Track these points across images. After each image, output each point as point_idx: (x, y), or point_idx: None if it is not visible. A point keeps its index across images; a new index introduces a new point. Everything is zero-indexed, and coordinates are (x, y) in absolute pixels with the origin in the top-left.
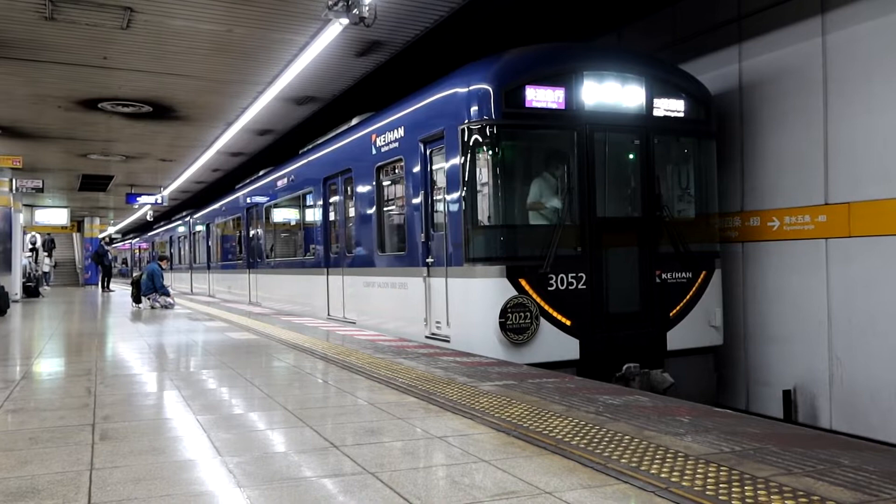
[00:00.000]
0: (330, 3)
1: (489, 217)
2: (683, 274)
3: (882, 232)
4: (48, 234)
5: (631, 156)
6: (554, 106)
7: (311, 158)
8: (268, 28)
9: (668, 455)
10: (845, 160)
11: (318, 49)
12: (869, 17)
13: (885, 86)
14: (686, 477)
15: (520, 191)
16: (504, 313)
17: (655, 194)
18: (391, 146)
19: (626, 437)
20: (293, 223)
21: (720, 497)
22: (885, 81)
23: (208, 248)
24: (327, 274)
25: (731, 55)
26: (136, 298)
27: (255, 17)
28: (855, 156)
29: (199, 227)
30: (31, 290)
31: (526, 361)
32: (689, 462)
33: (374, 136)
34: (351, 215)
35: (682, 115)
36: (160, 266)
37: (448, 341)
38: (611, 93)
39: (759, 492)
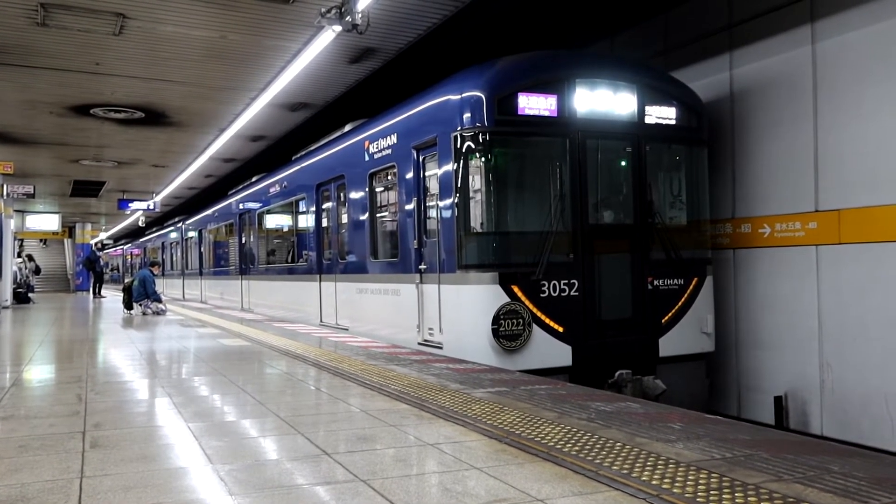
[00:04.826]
0: (323, 10)
1: (482, 224)
2: (675, 280)
3: (872, 239)
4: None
5: (623, 163)
6: (546, 113)
7: (304, 165)
8: (261, 34)
9: (660, 462)
10: (835, 167)
11: (311, 56)
12: (858, 25)
13: (875, 93)
14: (677, 484)
15: (512, 198)
16: (496, 320)
17: (647, 201)
18: (384, 153)
19: (618, 443)
20: (286, 229)
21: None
22: (874, 89)
23: (200, 254)
24: (320, 280)
25: (722, 63)
26: (128, 305)
27: (247, 23)
28: (845, 163)
29: (192, 233)
30: (22, 296)
31: (518, 368)
32: (680, 469)
33: (367, 143)
34: (344, 222)
35: (673, 122)
36: (152, 272)
37: (441, 348)
38: (603, 100)
39: (749, 498)
